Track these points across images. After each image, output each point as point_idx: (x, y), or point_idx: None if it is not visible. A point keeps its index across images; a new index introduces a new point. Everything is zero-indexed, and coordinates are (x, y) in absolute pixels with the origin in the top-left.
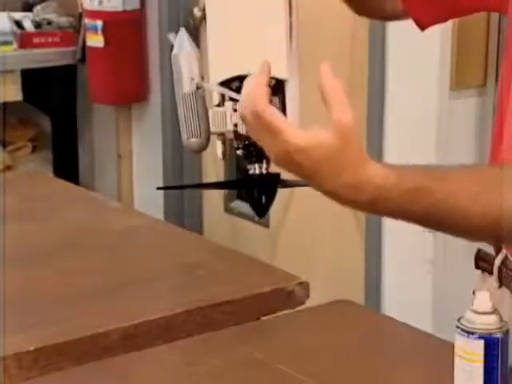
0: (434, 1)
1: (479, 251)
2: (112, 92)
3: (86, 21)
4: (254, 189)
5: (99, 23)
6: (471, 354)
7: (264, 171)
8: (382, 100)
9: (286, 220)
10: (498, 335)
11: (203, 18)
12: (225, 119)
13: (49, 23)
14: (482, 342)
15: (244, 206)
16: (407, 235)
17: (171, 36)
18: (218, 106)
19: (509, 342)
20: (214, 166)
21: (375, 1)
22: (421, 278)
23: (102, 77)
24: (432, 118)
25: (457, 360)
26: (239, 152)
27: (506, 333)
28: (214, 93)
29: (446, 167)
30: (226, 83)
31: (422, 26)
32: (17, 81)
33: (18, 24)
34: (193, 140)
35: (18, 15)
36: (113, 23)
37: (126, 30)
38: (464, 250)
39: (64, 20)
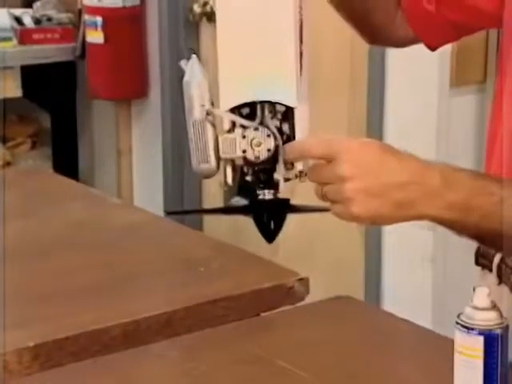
0: (441, 26)
1: (479, 248)
2: (112, 88)
3: (86, 17)
4: (263, 214)
5: (99, 19)
6: (471, 350)
7: (273, 196)
8: (382, 97)
9: None
10: (498, 331)
11: (203, 14)
12: (234, 145)
13: (49, 19)
14: (481, 338)
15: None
16: (407, 232)
17: (183, 63)
18: (228, 131)
19: (508, 337)
20: None
21: (389, 29)
22: (421, 275)
23: (101, 73)
24: (432, 115)
25: (456, 356)
26: (248, 178)
27: (506, 329)
28: (224, 120)
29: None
30: (235, 109)
31: (432, 49)
32: (16, 77)
33: (18, 20)
34: (203, 166)
35: (17, 11)
36: (112, 19)
37: (126, 26)
38: (464, 246)
39: (64, 16)
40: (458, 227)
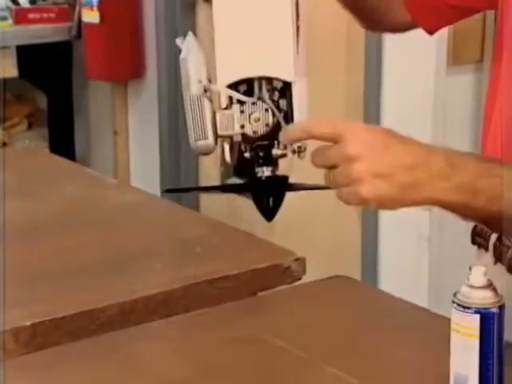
0: (438, 10)
1: (475, 227)
2: (108, 68)
3: None
4: (262, 192)
5: None
6: (467, 328)
7: (272, 174)
8: (380, 75)
9: None
10: (494, 310)
11: None
12: (232, 122)
13: None
14: (477, 317)
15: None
16: (404, 211)
17: (179, 41)
18: (226, 109)
19: (504, 316)
20: None
21: (386, 13)
22: (417, 254)
23: (97, 53)
24: (429, 93)
25: (453, 335)
26: (247, 155)
27: (502, 307)
28: (222, 96)
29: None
30: (233, 86)
31: (430, 32)
32: (12, 57)
33: (13, 0)
34: (200, 142)
35: None
36: None
37: (122, 6)
38: (460, 226)
39: None
40: (464, 210)
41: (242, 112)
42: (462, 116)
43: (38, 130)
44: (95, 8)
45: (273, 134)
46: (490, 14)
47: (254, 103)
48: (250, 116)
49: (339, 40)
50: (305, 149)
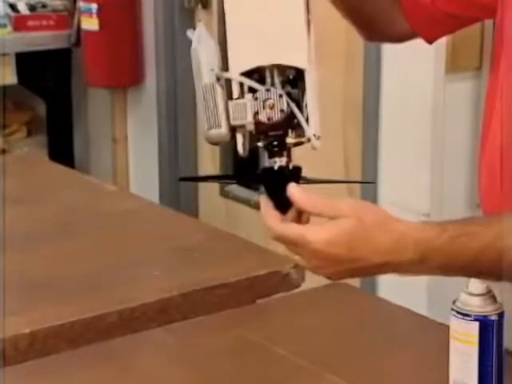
0: (437, 20)
1: None
2: (107, 75)
3: (81, 3)
4: (274, 182)
5: (94, 6)
6: (466, 336)
7: (285, 164)
8: (378, 82)
9: None
10: (493, 317)
11: (198, 0)
12: (245, 111)
13: (43, 6)
14: (476, 324)
15: (239, 190)
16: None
17: (190, 32)
18: (238, 99)
19: (504, 323)
20: (209, 150)
21: (385, 23)
22: None
23: (97, 60)
24: (428, 101)
25: (452, 342)
26: (260, 144)
27: (501, 315)
28: (234, 86)
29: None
30: (245, 75)
31: (429, 42)
32: (11, 64)
33: (13, 7)
34: (213, 131)
35: None
36: (108, 6)
37: (121, 13)
38: None
39: (58, 3)
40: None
41: (255, 99)
42: (460, 123)
43: (37, 137)
44: (94, 15)
45: (286, 122)
46: (489, 21)
47: (267, 90)
48: (264, 102)
49: (338, 49)
50: (319, 137)
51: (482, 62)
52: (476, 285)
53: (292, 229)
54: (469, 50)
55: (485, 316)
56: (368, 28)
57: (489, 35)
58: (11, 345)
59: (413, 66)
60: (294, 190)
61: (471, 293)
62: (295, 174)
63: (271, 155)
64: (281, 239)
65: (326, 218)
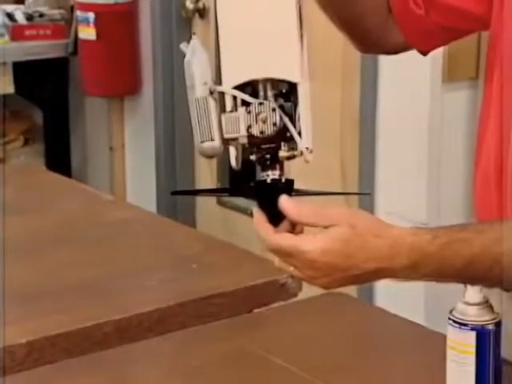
0: (432, 32)
1: None
2: (104, 85)
3: (78, 13)
4: (267, 195)
5: (91, 15)
6: (463, 345)
7: (278, 177)
8: (375, 92)
9: None
10: (490, 327)
11: (195, 10)
12: (238, 124)
13: (41, 15)
14: (474, 334)
15: (237, 199)
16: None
17: (183, 46)
18: (231, 112)
19: (501, 333)
20: (206, 160)
21: (380, 34)
22: None
23: (94, 69)
24: (424, 110)
25: (449, 352)
26: (253, 157)
27: (498, 324)
28: (227, 99)
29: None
30: (238, 88)
31: (424, 54)
32: (9, 73)
33: (10, 16)
34: (206, 144)
35: (9, 7)
36: (105, 15)
37: (118, 23)
38: None
39: (56, 12)
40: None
41: (248, 112)
42: (457, 133)
43: (34, 146)
44: (91, 25)
45: (279, 135)
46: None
47: (260, 103)
48: (257, 116)
49: (335, 61)
50: (311, 151)
51: (478, 71)
52: (473, 294)
53: (286, 239)
54: (465, 60)
55: (482, 325)
56: (363, 40)
57: (485, 44)
58: (8, 354)
59: (409, 76)
60: (285, 202)
61: (468, 302)
62: (288, 187)
63: (264, 168)
64: (275, 250)
65: (319, 227)
